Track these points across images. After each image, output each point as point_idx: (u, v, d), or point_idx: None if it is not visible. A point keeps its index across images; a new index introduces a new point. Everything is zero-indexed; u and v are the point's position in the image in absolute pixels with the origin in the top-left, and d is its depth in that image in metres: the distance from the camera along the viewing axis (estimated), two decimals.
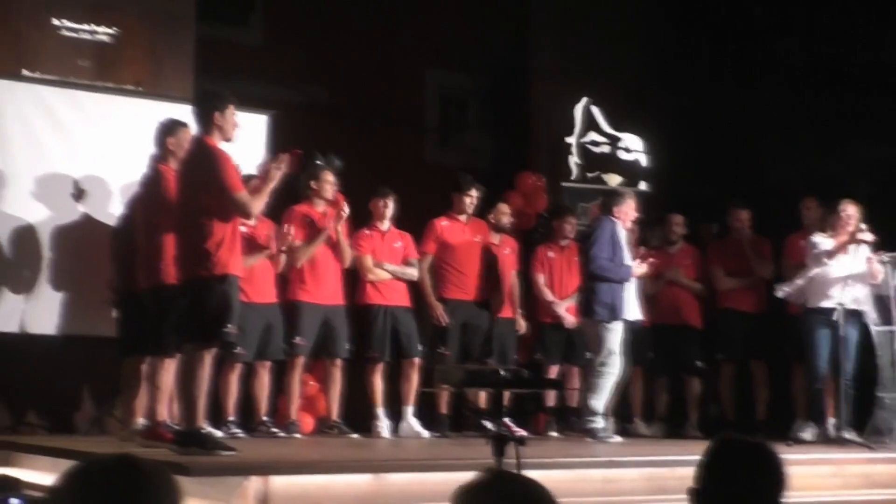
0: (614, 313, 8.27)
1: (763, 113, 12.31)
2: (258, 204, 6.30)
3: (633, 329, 8.52)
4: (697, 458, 6.94)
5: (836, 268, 8.32)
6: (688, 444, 8.37)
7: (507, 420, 8.58)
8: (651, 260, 8.66)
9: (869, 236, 8.26)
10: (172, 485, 2.28)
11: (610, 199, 8.75)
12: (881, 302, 8.46)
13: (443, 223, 8.88)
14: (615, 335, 8.27)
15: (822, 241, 8.47)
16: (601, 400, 8.30)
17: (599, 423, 8.30)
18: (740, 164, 11.25)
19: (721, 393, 9.67)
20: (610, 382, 8.30)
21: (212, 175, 6.10)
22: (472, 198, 8.87)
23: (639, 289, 8.60)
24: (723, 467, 2.96)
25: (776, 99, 12.28)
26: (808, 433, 8.44)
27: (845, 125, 12.57)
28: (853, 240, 8.26)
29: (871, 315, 8.38)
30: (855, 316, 8.29)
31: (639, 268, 8.47)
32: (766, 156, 12.23)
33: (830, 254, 8.36)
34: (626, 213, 8.52)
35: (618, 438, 8.34)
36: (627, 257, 8.45)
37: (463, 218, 8.92)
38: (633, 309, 8.40)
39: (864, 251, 8.37)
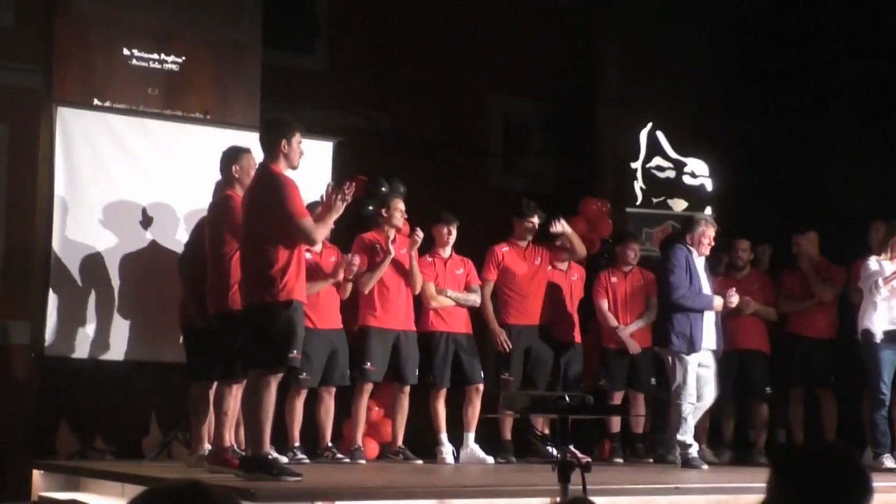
0: (691, 345, 8.19)
1: (827, 136, 12.19)
2: (322, 231, 6.35)
3: (717, 357, 8.43)
4: (763, 485, 6.89)
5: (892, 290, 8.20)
6: (754, 471, 8.27)
7: (571, 447, 8.56)
8: (734, 294, 8.51)
9: None
10: None
11: (685, 226, 8.66)
12: None
13: (503, 249, 8.88)
14: (689, 367, 8.19)
15: (876, 264, 8.36)
16: (687, 431, 8.22)
17: (692, 452, 8.22)
18: (806, 188, 11.14)
19: (790, 419, 9.55)
20: (687, 411, 8.20)
21: (277, 202, 6.15)
22: (533, 224, 8.85)
23: (717, 318, 8.48)
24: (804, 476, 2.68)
25: (840, 122, 12.15)
26: (878, 461, 8.29)
27: None
28: None
29: None
30: None
31: (730, 299, 8.38)
32: (831, 179, 12.09)
33: (886, 279, 8.24)
34: (701, 241, 8.42)
35: (705, 466, 8.25)
36: (704, 285, 8.36)
37: (523, 244, 8.91)
38: (710, 338, 8.30)
39: None
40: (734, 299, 8.39)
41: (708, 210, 10.93)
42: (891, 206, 10.73)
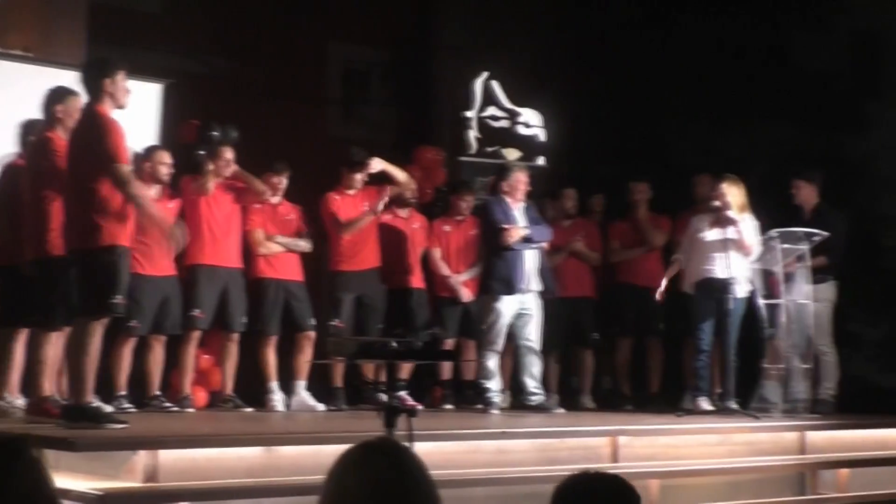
0: (509, 287, 8.33)
1: (663, 91, 12.43)
2: (143, 188, 6.13)
3: (545, 301, 8.59)
4: (590, 428, 7.02)
5: (712, 243, 8.44)
6: (580, 416, 8.46)
7: (401, 393, 8.61)
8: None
9: (732, 214, 8.35)
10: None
11: (498, 175, 8.78)
12: (767, 276, 8.61)
13: (335, 197, 8.81)
14: (501, 315, 8.39)
15: (700, 221, 8.60)
16: (488, 376, 8.44)
17: (493, 397, 8.41)
18: (640, 141, 11.37)
19: (616, 366, 9.78)
20: (490, 357, 8.44)
21: (99, 143, 5.97)
22: (362, 171, 8.80)
23: (542, 261, 8.61)
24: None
25: (676, 78, 12.40)
26: (696, 404, 8.55)
27: (744, 105, 12.76)
28: (717, 218, 8.37)
29: (757, 289, 8.51)
30: (740, 290, 8.40)
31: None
32: (665, 134, 12.36)
33: (695, 239, 8.51)
34: (516, 187, 8.53)
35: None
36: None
37: (352, 192, 8.85)
38: (532, 281, 8.43)
39: (750, 225, 8.49)
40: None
41: (540, 160, 11.05)
42: (718, 160, 11.04)
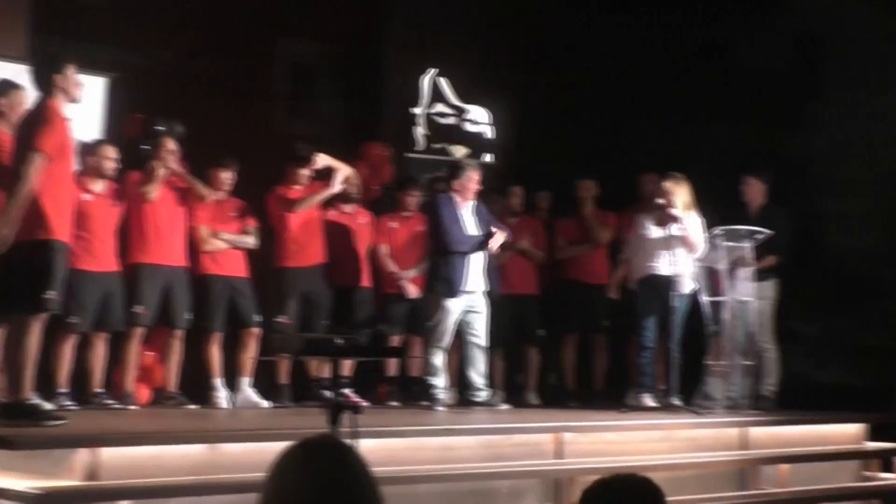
0: (451, 289, 8.34)
1: (610, 90, 12.46)
2: (36, 176, 5.89)
3: (492, 298, 8.58)
4: (535, 424, 7.03)
5: (657, 241, 8.47)
6: (524, 413, 8.46)
7: (347, 390, 8.57)
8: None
9: (676, 214, 8.38)
10: None
11: (450, 172, 8.75)
12: (711, 274, 8.66)
13: (281, 193, 8.73)
14: (448, 313, 8.37)
15: (645, 220, 8.62)
16: (436, 373, 8.44)
17: (438, 393, 8.42)
18: (586, 139, 11.38)
19: (562, 364, 9.79)
20: (436, 354, 8.43)
21: (30, 131, 5.88)
22: (309, 167, 8.73)
23: (487, 261, 8.59)
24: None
25: (623, 76, 12.44)
26: (640, 400, 8.58)
27: (689, 103, 12.83)
28: (666, 216, 8.39)
29: (700, 286, 8.56)
30: (684, 287, 8.44)
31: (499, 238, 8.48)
32: (611, 132, 12.39)
33: (637, 237, 8.52)
34: (467, 186, 8.51)
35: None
36: (472, 230, 8.50)
37: (298, 188, 8.78)
38: (477, 281, 8.40)
39: (695, 223, 8.53)
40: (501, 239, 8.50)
41: (487, 157, 11.03)
42: (663, 158, 11.08)
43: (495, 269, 8.80)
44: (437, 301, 8.46)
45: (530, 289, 9.60)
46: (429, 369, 8.52)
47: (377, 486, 2.48)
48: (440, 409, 8.33)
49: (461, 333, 8.53)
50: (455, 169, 8.73)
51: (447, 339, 8.47)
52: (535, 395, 9.60)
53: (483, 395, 8.52)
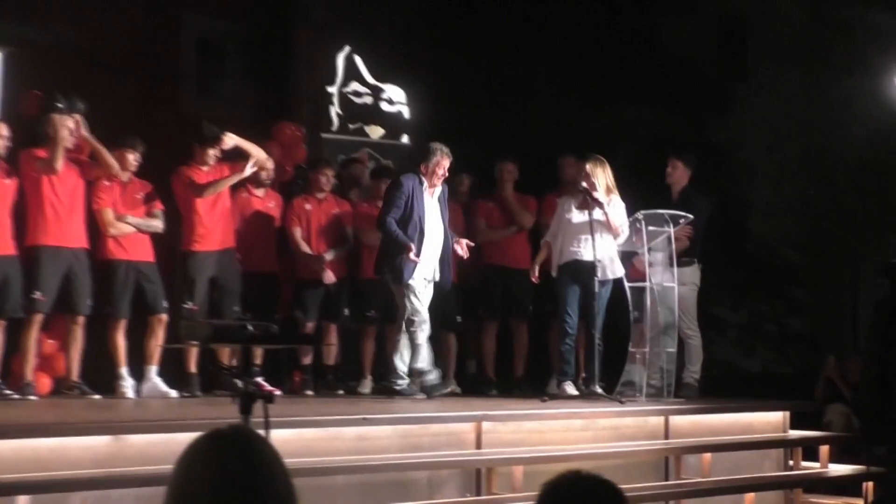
0: (398, 276, 8.32)
1: (530, 71, 12.55)
2: None
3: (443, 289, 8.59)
4: (454, 413, 7.04)
5: (579, 225, 8.54)
6: (443, 402, 8.49)
7: (259, 378, 8.53)
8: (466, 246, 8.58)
9: (598, 198, 8.46)
10: None
11: (420, 155, 8.59)
12: (633, 259, 8.75)
13: (188, 173, 8.65)
14: (416, 292, 8.33)
15: (566, 204, 8.68)
16: (423, 358, 8.41)
17: (432, 378, 8.43)
18: (506, 121, 11.44)
19: (482, 350, 9.83)
20: (421, 338, 8.39)
21: None
22: (216, 147, 8.65)
23: (444, 250, 8.54)
24: None
25: (544, 57, 12.53)
26: (561, 389, 8.66)
27: (612, 86, 12.97)
28: (584, 200, 8.46)
29: (622, 272, 8.64)
30: (606, 272, 8.52)
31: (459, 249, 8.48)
32: (532, 114, 12.48)
33: (558, 222, 8.58)
34: (435, 171, 8.46)
35: (421, 395, 8.45)
36: (434, 218, 8.46)
37: (205, 169, 8.71)
38: (426, 270, 8.40)
39: (618, 207, 8.61)
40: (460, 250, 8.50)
41: (405, 138, 11.05)
42: (584, 141, 11.18)
43: (450, 262, 8.66)
44: (394, 285, 8.41)
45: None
46: (417, 354, 8.42)
47: (289, 477, 2.48)
48: (420, 397, 8.35)
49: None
50: (425, 152, 8.57)
51: (427, 316, 8.39)
52: (454, 383, 9.64)
53: (403, 383, 8.54)
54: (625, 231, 8.57)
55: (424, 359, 8.41)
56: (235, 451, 2.44)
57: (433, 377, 8.47)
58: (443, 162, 8.47)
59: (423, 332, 8.38)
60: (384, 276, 8.45)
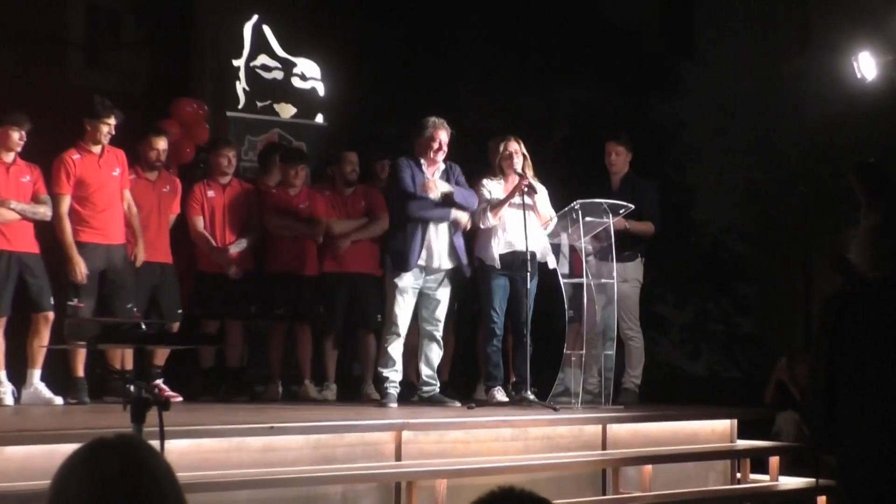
0: (404, 262, 8.29)
1: (456, 44, 12.53)
2: None
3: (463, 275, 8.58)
4: (371, 422, 7.04)
5: (510, 212, 8.54)
6: (359, 408, 8.48)
7: (158, 382, 8.47)
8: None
9: (532, 183, 8.47)
10: None
11: (413, 132, 8.55)
12: (569, 253, 8.77)
13: (74, 156, 8.51)
14: (402, 292, 8.33)
15: (484, 190, 8.66)
16: (388, 363, 8.41)
17: (390, 388, 8.41)
18: (429, 99, 11.40)
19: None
20: (391, 341, 8.40)
21: None
22: (109, 126, 8.53)
23: (456, 234, 8.50)
24: None
25: (471, 30, 12.52)
26: (489, 394, 8.68)
27: (546, 62, 13.00)
28: (515, 189, 8.47)
29: (556, 266, 8.66)
30: (534, 266, 8.54)
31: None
32: (458, 92, 12.47)
33: (494, 207, 8.55)
34: (430, 146, 8.40)
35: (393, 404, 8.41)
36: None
37: (97, 149, 8.58)
38: (439, 256, 8.38)
39: (543, 193, 8.63)
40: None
41: (319, 118, 10.97)
42: (515, 121, 11.21)
43: (461, 243, 8.62)
44: (391, 279, 8.38)
45: (368, 267, 9.58)
46: (383, 360, 8.44)
47: (181, 492, 2.45)
48: (392, 405, 8.30)
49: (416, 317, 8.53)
50: (417, 128, 8.51)
51: (403, 324, 8.39)
52: (372, 388, 9.61)
53: (430, 389, 8.53)
54: (553, 220, 8.60)
55: (388, 364, 8.43)
56: (118, 463, 2.40)
57: (392, 387, 8.45)
58: (437, 135, 8.39)
59: (394, 341, 8.41)
60: (387, 268, 8.44)
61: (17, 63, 10.46)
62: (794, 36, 15.64)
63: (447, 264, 8.47)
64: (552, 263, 8.62)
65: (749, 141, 14.66)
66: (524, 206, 8.38)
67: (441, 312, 8.57)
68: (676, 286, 13.99)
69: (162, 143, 8.92)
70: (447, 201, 8.39)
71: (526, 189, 8.42)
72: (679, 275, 13.72)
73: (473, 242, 8.75)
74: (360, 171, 9.66)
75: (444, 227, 8.45)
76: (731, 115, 14.61)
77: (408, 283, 8.39)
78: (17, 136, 8.24)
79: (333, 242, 9.41)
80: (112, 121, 8.51)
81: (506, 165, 8.68)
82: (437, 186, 8.35)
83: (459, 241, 8.53)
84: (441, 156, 8.47)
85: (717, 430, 8.63)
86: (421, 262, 8.36)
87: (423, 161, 8.47)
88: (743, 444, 8.72)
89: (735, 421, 8.69)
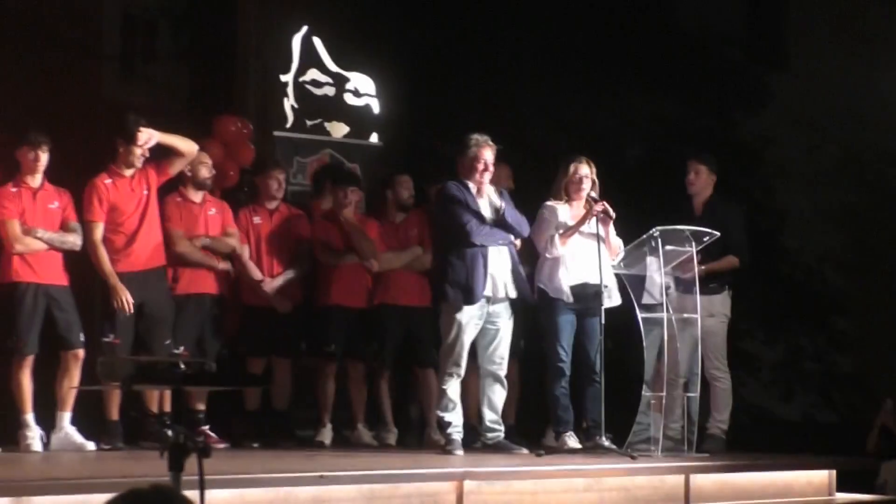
0: (469, 295, 8.28)
1: (519, 55, 12.53)
2: None
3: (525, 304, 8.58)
4: (430, 471, 7.02)
5: (582, 240, 8.51)
6: (419, 455, 8.47)
7: (204, 427, 8.50)
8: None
9: (603, 207, 8.43)
10: None
11: (456, 152, 8.58)
12: (647, 284, 8.71)
13: (106, 181, 8.58)
14: (464, 327, 8.33)
15: (549, 212, 8.62)
16: (447, 406, 8.41)
17: (454, 433, 8.39)
18: (491, 116, 11.41)
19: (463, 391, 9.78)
20: (448, 382, 8.41)
21: None
22: (143, 148, 8.57)
23: (515, 261, 8.51)
24: None
25: (535, 39, 12.52)
26: (560, 441, 8.63)
27: (616, 74, 12.98)
28: (589, 214, 8.44)
29: (633, 299, 8.60)
30: (610, 299, 8.49)
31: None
32: (522, 107, 12.47)
33: (564, 234, 8.53)
34: (474, 166, 8.41)
35: (460, 451, 8.39)
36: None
37: (129, 172, 8.62)
38: (501, 285, 8.39)
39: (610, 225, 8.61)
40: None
41: (374, 137, 11.01)
42: (583, 139, 11.18)
43: (526, 273, 8.63)
44: (450, 313, 8.37)
45: (420, 300, 9.56)
46: (442, 403, 8.44)
47: None
48: (458, 453, 8.29)
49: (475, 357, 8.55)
50: (460, 147, 8.53)
51: (463, 363, 8.40)
52: (436, 432, 9.57)
53: (494, 435, 8.52)
54: (622, 250, 8.57)
55: (447, 407, 8.43)
56: None
57: (456, 431, 8.43)
58: (482, 154, 8.41)
59: (453, 381, 8.41)
60: (445, 301, 8.41)
61: (48, 75, 10.58)
62: (893, 44, 15.51)
63: (512, 293, 8.47)
64: (618, 297, 8.55)
65: (844, 160, 14.57)
66: (598, 234, 8.35)
67: (504, 349, 8.54)
68: (766, 321, 13.89)
69: (206, 159, 8.96)
70: (500, 223, 8.40)
71: (601, 215, 8.38)
72: (769, 308, 13.63)
73: (535, 273, 8.71)
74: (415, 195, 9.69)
75: (505, 252, 8.45)
76: (824, 131, 14.52)
77: (471, 317, 8.38)
78: (32, 157, 8.30)
79: (382, 272, 9.43)
80: (146, 142, 8.52)
81: (573, 190, 8.65)
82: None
83: (521, 267, 8.53)
84: (487, 176, 8.48)
85: (813, 481, 8.54)
86: (486, 292, 8.36)
87: (471, 185, 8.47)
88: (843, 497, 8.62)
89: (834, 472, 8.59)
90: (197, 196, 8.99)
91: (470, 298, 8.31)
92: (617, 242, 8.60)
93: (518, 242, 8.57)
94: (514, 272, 8.46)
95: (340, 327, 9.22)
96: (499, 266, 8.41)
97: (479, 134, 8.50)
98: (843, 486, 8.66)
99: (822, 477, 8.56)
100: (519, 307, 8.58)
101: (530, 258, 8.81)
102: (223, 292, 9.01)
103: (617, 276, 8.62)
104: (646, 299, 8.64)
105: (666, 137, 13.28)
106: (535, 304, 8.65)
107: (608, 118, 13.11)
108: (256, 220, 9.28)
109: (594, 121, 12.84)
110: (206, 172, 8.99)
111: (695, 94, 13.59)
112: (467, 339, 8.40)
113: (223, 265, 9.02)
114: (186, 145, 8.66)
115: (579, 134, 12.07)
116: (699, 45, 13.82)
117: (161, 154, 8.68)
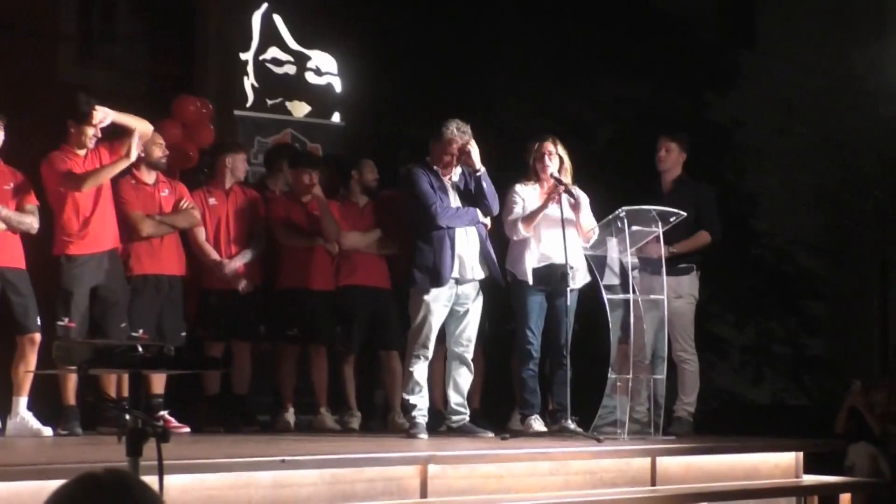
0: (436, 278, 8.31)
1: (489, 36, 12.55)
2: None
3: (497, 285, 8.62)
4: (393, 454, 7.06)
5: (549, 221, 8.54)
6: (382, 439, 8.50)
7: (164, 413, 8.52)
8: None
9: (570, 188, 8.47)
10: None
11: (433, 136, 8.58)
12: (614, 266, 8.75)
13: (62, 158, 8.56)
14: (432, 311, 8.35)
15: (517, 196, 8.66)
16: (414, 389, 8.42)
17: (419, 417, 8.42)
18: (459, 96, 11.44)
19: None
20: (415, 364, 8.43)
21: None
22: (95, 128, 8.57)
23: (485, 242, 8.55)
24: None
25: (506, 21, 12.55)
26: (525, 424, 8.68)
27: (588, 57, 13.02)
28: (550, 196, 8.48)
29: (598, 281, 8.65)
30: (577, 280, 8.54)
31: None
32: (491, 88, 12.50)
33: (528, 218, 8.57)
34: (443, 156, 8.45)
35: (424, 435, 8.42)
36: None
37: (81, 153, 8.62)
38: (470, 267, 8.42)
39: (585, 200, 8.65)
40: None
41: (336, 117, 11.01)
42: (555, 121, 11.22)
43: (490, 253, 8.64)
44: (418, 296, 8.41)
45: (385, 282, 9.62)
46: (408, 386, 8.47)
47: None
48: (422, 437, 8.33)
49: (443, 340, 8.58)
50: (436, 133, 8.52)
51: (430, 346, 8.43)
52: (400, 416, 9.61)
53: (460, 418, 8.56)
54: (596, 231, 8.60)
55: (415, 390, 8.45)
56: (109, 499, 2.41)
57: (420, 415, 8.46)
58: (453, 143, 8.42)
59: (420, 364, 8.44)
60: (413, 285, 8.44)
61: (3, 57, 10.56)
62: (868, 23, 15.59)
63: (480, 273, 8.50)
64: (580, 281, 8.60)
65: (817, 141, 14.62)
66: (562, 215, 8.39)
67: (472, 331, 8.59)
68: (736, 303, 13.96)
69: (159, 139, 8.95)
70: (475, 196, 8.44)
71: (564, 195, 8.42)
72: (739, 291, 13.70)
73: (504, 255, 8.76)
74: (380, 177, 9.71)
75: (473, 233, 8.49)
76: (797, 112, 14.59)
77: (440, 299, 8.43)
78: None
79: (346, 255, 9.46)
80: (97, 121, 8.51)
81: (540, 169, 8.70)
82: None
83: (490, 248, 8.57)
84: (454, 162, 8.50)
85: (780, 464, 8.60)
86: (454, 273, 8.41)
87: (438, 170, 8.51)
88: (810, 479, 8.68)
89: (801, 454, 8.65)
90: (150, 177, 8.97)
91: (437, 281, 8.34)
92: (590, 224, 8.63)
93: (487, 221, 8.61)
94: (484, 253, 8.50)
95: (302, 310, 9.25)
96: (467, 247, 8.44)
97: (459, 123, 8.52)
98: (810, 468, 8.73)
99: (789, 459, 8.62)
100: (486, 288, 8.63)
101: (502, 240, 8.86)
102: (181, 273, 9.03)
103: (586, 257, 8.68)
104: (608, 279, 8.69)
105: (636, 119, 13.32)
106: (504, 286, 8.70)
107: (579, 99, 13.14)
108: (213, 201, 9.29)
109: (565, 102, 12.87)
110: (159, 153, 8.99)
111: (665, 74, 13.64)
112: (436, 321, 8.44)
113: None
114: (141, 125, 8.65)
115: (549, 115, 12.09)
116: (669, 25, 13.86)
117: (113, 135, 8.69)
